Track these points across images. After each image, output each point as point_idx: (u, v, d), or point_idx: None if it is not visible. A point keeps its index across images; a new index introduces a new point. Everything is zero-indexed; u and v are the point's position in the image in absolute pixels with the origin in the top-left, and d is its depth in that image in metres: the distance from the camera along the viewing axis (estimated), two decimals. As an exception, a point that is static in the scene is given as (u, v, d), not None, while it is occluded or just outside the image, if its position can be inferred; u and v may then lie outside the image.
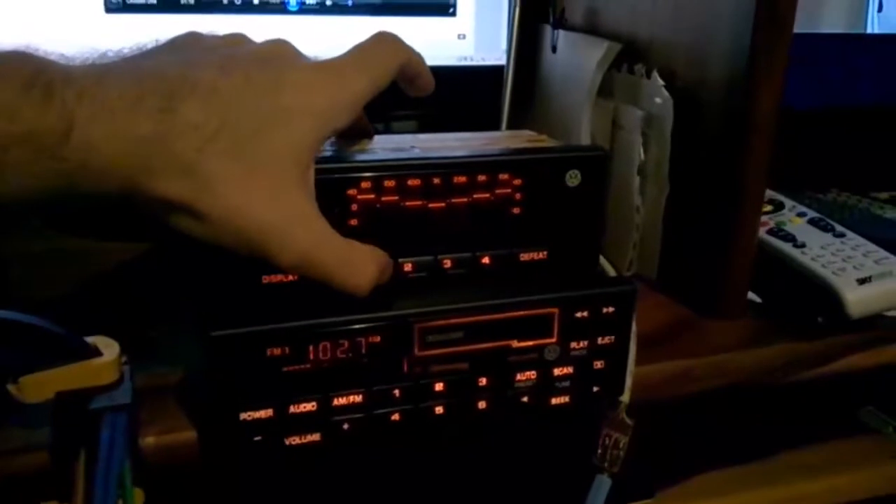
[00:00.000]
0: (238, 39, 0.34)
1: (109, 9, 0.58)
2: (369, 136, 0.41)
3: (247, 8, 0.60)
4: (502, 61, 0.64)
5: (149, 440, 0.35)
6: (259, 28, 0.61)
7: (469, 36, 0.67)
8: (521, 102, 0.66)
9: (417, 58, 0.36)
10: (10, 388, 0.33)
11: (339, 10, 0.63)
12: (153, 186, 0.28)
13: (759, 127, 0.44)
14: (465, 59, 0.68)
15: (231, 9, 0.60)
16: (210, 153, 0.28)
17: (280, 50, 0.32)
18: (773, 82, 0.44)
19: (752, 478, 0.60)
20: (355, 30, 0.63)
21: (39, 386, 0.32)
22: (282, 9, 0.61)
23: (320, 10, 0.62)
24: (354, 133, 0.40)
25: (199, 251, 0.33)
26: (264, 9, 0.61)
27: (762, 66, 0.43)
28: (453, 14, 0.66)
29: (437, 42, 0.67)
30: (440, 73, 0.67)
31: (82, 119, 0.26)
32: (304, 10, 0.62)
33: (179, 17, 0.59)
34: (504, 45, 0.65)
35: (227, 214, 0.29)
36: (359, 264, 0.32)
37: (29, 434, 0.33)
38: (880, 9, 0.70)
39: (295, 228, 0.30)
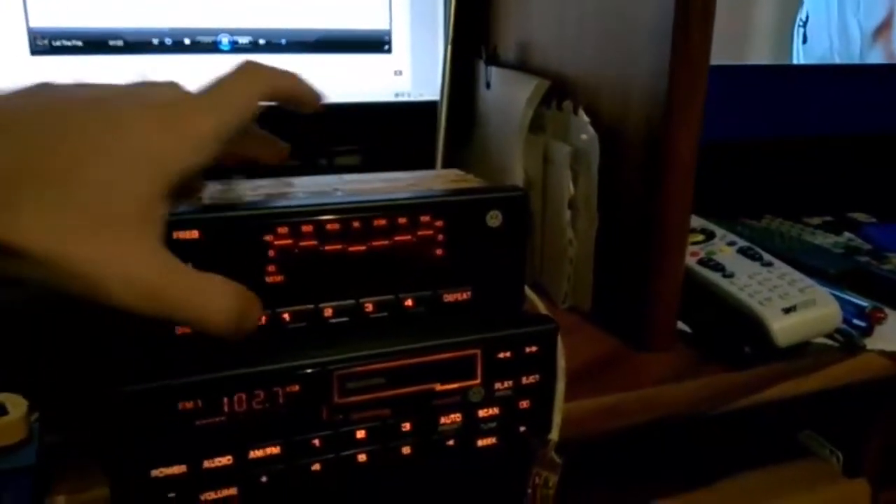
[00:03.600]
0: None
1: (35, 51, 0.57)
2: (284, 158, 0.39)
3: (178, 48, 0.60)
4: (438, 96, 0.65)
5: (59, 499, 0.33)
6: (192, 68, 0.60)
7: (406, 72, 0.68)
8: (459, 136, 0.67)
9: (287, 80, 0.35)
10: None
11: (272, 48, 0.63)
12: None
13: (679, 161, 0.45)
14: (402, 94, 0.68)
15: (162, 49, 0.60)
16: (21, 187, 0.27)
17: (124, 91, 0.31)
18: (691, 118, 0.44)
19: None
20: (291, 68, 0.63)
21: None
22: (214, 48, 0.61)
23: (253, 48, 0.62)
24: (267, 156, 0.39)
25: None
26: (196, 48, 0.61)
27: (679, 102, 0.44)
28: (388, 51, 0.66)
29: (373, 78, 0.67)
30: (379, 108, 0.68)
31: None
32: (236, 49, 0.62)
33: (108, 58, 0.58)
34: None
35: (46, 251, 0.27)
36: (215, 296, 0.30)
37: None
38: (805, 41, 0.72)
39: (130, 259, 0.28)
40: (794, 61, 0.72)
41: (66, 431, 0.36)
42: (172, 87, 0.32)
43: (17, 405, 0.34)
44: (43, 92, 0.30)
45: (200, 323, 0.30)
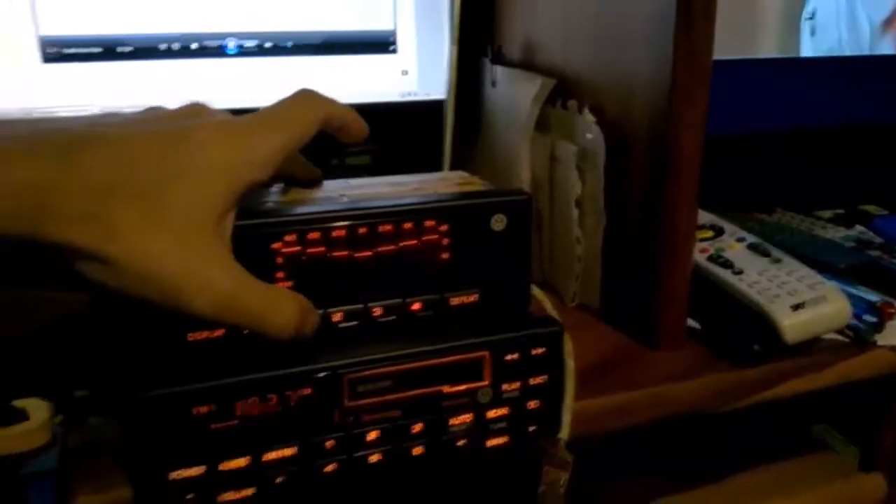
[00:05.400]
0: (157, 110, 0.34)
1: (47, 59, 0.58)
2: (317, 182, 0.42)
3: (185, 53, 0.61)
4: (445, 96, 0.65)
5: (81, 500, 0.34)
6: (199, 72, 0.61)
7: (412, 72, 0.68)
8: (467, 135, 0.67)
9: (341, 109, 0.37)
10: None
11: (278, 51, 0.63)
12: (55, 231, 0.28)
13: (685, 158, 0.45)
14: (409, 94, 0.69)
15: (169, 55, 0.60)
16: (114, 199, 0.28)
17: (193, 110, 0.33)
18: (695, 114, 0.45)
19: (707, 500, 0.60)
20: (296, 70, 0.64)
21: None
22: (220, 52, 0.62)
23: (259, 52, 0.63)
24: (302, 181, 0.41)
25: (124, 308, 0.33)
26: (203, 53, 0.61)
27: (683, 99, 0.44)
28: (394, 51, 0.67)
29: (380, 79, 0.67)
30: (386, 108, 0.69)
31: None
32: (242, 52, 0.62)
33: (117, 64, 0.59)
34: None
35: (136, 259, 0.29)
36: (281, 305, 0.33)
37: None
38: (813, 33, 0.72)
39: (210, 273, 0.30)
40: (802, 54, 0.72)
41: (88, 435, 0.37)
42: (225, 112, 0.34)
43: (39, 410, 0.35)
44: (133, 115, 0.33)
45: (266, 330, 0.32)
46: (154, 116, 0.32)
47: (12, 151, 0.28)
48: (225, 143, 0.31)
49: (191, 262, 0.30)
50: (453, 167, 0.63)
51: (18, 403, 0.36)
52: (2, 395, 0.35)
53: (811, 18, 0.71)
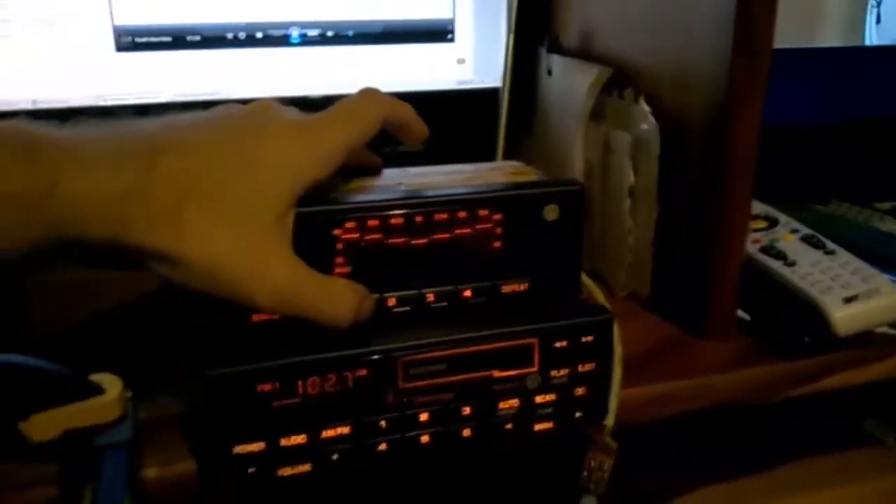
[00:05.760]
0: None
1: (120, 48, 0.61)
2: (377, 170, 0.43)
3: (251, 42, 0.63)
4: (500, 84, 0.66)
5: (150, 472, 0.36)
6: (264, 61, 0.63)
7: (468, 60, 0.69)
8: (521, 123, 0.68)
9: (402, 110, 0.38)
10: (21, 426, 0.35)
11: (340, 40, 0.65)
12: (133, 237, 0.30)
13: (740, 150, 0.45)
14: (465, 82, 0.69)
15: (235, 44, 0.62)
16: (185, 204, 0.30)
17: (262, 107, 0.35)
18: (753, 106, 0.44)
19: (755, 490, 0.60)
20: (357, 59, 0.65)
21: (46, 424, 0.35)
22: (285, 42, 0.64)
23: (322, 41, 0.64)
24: (363, 169, 0.43)
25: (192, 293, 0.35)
26: (267, 42, 0.63)
27: (740, 91, 0.44)
28: (452, 40, 0.67)
29: (437, 67, 0.68)
30: (442, 96, 0.70)
31: (66, 176, 0.29)
32: (306, 42, 0.64)
33: (187, 53, 0.61)
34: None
35: (202, 260, 0.31)
36: (338, 296, 0.34)
37: (36, 469, 0.35)
38: (878, 21, 0.70)
39: (270, 269, 0.32)
40: (867, 41, 0.70)
41: (157, 410, 0.40)
42: (294, 109, 0.36)
43: (113, 384, 0.37)
44: (205, 114, 0.34)
45: (325, 321, 0.34)
46: (224, 114, 0.34)
47: (97, 164, 0.30)
48: (292, 141, 0.33)
49: (252, 260, 0.32)
50: (507, 155, 0.64)
51: (93, 378, 0.38)
52: (79, 370, 0.37)
53: (878, 6, 0.69)
